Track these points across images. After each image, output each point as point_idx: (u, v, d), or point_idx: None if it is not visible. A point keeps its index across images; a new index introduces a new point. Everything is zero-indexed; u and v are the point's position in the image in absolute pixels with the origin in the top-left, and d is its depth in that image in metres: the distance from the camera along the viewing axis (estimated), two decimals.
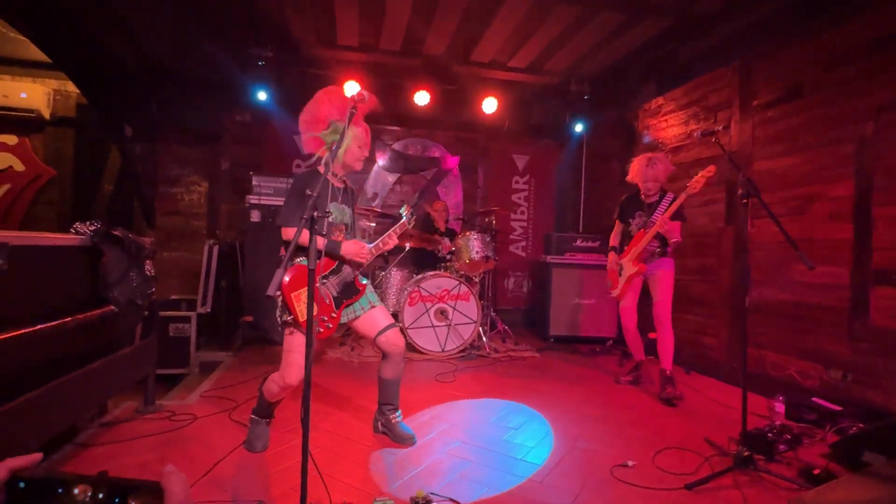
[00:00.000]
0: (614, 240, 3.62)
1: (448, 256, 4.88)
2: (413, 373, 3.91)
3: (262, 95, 5.23)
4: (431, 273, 4.49)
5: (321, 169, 2.21)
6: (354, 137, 2.25)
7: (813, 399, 3.11)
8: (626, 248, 3.49)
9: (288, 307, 2.09)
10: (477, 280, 4.67)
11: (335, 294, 2.29)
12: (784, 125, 3.67)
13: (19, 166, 5.67)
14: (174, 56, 5.10)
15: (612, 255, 3.58)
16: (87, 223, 2.37)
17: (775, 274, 3.63)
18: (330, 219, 2.22)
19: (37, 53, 4.52)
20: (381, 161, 6.20)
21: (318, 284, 2.11)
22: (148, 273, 2.70)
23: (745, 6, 3.97)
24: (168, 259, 5.69)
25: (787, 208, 3.55)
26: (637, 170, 3.38)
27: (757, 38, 3.97)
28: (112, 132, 5.39)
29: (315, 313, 2.11)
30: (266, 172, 4.94)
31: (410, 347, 4.40)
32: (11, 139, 5.65)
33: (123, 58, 4.83)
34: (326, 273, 2.27)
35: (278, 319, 2.17)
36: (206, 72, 5.27)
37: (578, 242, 5.24)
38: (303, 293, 2.08)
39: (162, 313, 3.79)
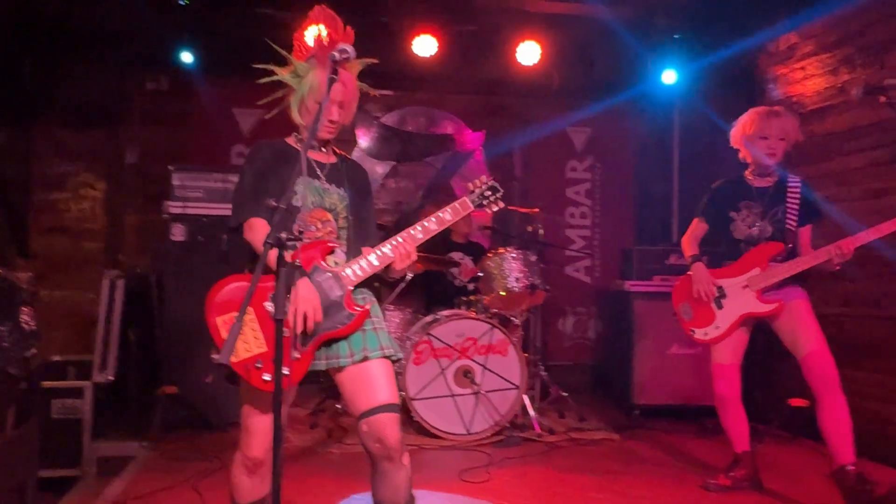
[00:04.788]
0: (692, 246, 3.21)
1: (471, 286, 4.36)
2: (425, 469, 3.45)
3: (186, 57, 4.53)
4: (448, 312, 3.94)
5: (291, 140, 1.95)
6: (311, 90, 1.86)
7: None
8: (727, 263, 3.13)
9: (214, 342, 1.83)
10: (518, 321, 4.13)
11: None
12: None
13: None
14: None
15: (700, 269, 3.12)
16: None
17: None
18: (296, 201, 1.82)
19: None
20: (365, 142, 5.11)
21: (266, 303, 1.80)
22: (25, 326, 2.63)
23: None
24: (49, 301, 4.69)
25: None
26: (752, 124, 2.97)
27: None
28: None
29: (255, 353, 1.77)
30: (193, 167, 4.21)
31: (419, 428, 3.84)
32: None
33: None
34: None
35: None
36: (103, 18, 4.45)
37: (673, 259, 4.46)
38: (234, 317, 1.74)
39: (42, 384, 3.52)
